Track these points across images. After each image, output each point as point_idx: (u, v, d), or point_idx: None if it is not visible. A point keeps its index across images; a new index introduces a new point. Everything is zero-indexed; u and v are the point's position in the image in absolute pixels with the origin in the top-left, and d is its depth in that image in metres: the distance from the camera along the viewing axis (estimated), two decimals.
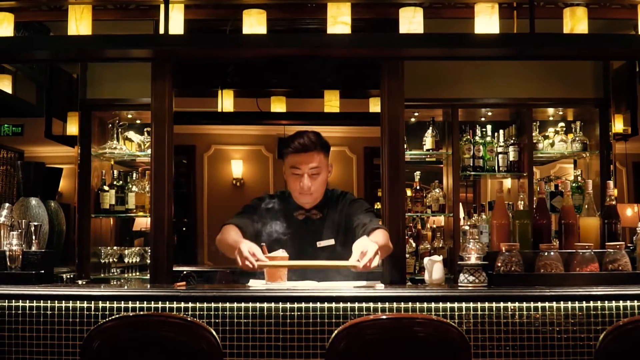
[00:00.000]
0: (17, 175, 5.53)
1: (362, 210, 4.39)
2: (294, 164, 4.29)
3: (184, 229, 10.09)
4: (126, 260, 6.65)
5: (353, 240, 4.03)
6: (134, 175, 6.76)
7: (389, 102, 5.53)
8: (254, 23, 4.82)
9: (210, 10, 5.37)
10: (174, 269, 5.78)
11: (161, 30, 4.80)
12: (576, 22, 4.83)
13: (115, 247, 6.64)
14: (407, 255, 6.33)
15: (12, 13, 4.91)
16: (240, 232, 4.23)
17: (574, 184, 6.37)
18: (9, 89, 6.37)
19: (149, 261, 6.37)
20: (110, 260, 6.52)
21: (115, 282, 6.38)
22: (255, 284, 4.00)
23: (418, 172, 6.91)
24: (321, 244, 4.31)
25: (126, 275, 6.62)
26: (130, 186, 6.65)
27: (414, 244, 6.75)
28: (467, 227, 6.59)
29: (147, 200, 6.54)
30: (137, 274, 6.65)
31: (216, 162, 10.35)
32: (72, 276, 6.02)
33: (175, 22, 4.85)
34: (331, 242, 4.32)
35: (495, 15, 4.80)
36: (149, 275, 6.27)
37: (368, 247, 3.85)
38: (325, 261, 4.07)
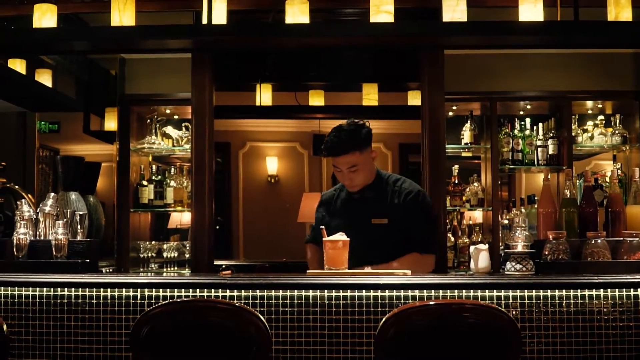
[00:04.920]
0: (54, 172, 5.54)
1: (414, 222, 4.46)
2: (332, 161, 4.44)
3: (217, 227, 10.08)
4: (165, 255, 6.65)
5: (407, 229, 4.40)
6: (172, 170, 6.78)
7: (430, 92, 5.46)
8: (297, 13, 4.81)
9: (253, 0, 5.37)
10: (214, 263, 5.77)
11: (204, 21, 4.81)
12: (620, 9, 4.75)
13: (153, 242, 6.65)
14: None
15: (55, 4, 4.93)
16: (317, 247, 4.46)
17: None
18: (49, 83, 6.42)
19: (187, 256, 6.39)
20: (149, 254, 6.53)
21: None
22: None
23: (456, 166, 6.89)
24: (375, 221, 4.42)
25: (164, 270, 6.62)
26: (168, 181, 6.67)
27: (452, 238, 6.71)
28: (506, 221, 6.59)
29: (186, 195, 6.57)
30: (175, 268, 6.65)
31: (251, 159, 10.32)
32: (111, 270, 6.05)
33: (218, 12, 4.85)
34: (384, 221, 4.42)
35: (539, 3, 4.74)
36: (187, 270, 6.28)
37: None
38: (380, 270, 4.06)
